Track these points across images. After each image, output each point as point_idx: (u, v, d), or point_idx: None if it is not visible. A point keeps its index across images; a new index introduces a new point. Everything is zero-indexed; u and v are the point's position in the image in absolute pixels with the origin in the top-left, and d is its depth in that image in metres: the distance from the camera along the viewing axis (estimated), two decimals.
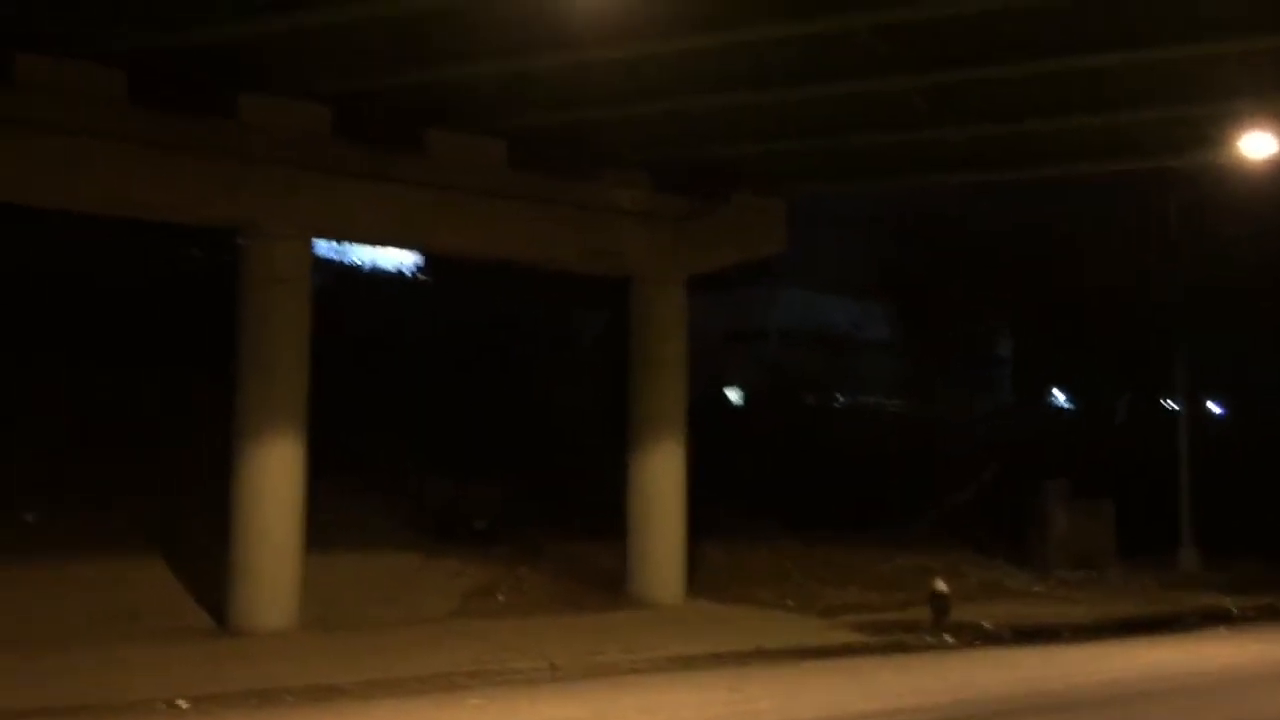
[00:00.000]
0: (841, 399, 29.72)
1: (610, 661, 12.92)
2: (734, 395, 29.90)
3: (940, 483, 23.60)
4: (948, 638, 15.43)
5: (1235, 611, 18.06)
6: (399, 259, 24.77)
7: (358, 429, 18.11)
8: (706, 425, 19.50)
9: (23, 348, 16.17)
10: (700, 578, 18.10)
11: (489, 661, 12.36)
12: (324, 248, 20.33)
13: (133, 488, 15.51)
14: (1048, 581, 20.66)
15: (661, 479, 17.56)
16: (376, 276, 24.61)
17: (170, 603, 14.20)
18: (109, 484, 15.38)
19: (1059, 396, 33.91)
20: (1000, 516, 22.52)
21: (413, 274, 25.02)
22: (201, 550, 14.55)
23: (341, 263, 23.17)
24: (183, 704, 10.21)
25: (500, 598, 16.49)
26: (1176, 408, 24.39)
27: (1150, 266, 24.71)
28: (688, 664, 13.15)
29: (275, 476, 14.19)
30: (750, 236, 18.56)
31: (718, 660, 13.36)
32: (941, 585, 16.33)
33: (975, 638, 15.60)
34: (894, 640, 15.18)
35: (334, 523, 15.51)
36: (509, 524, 18.47)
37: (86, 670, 11.30)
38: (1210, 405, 30.76)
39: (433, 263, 24.10)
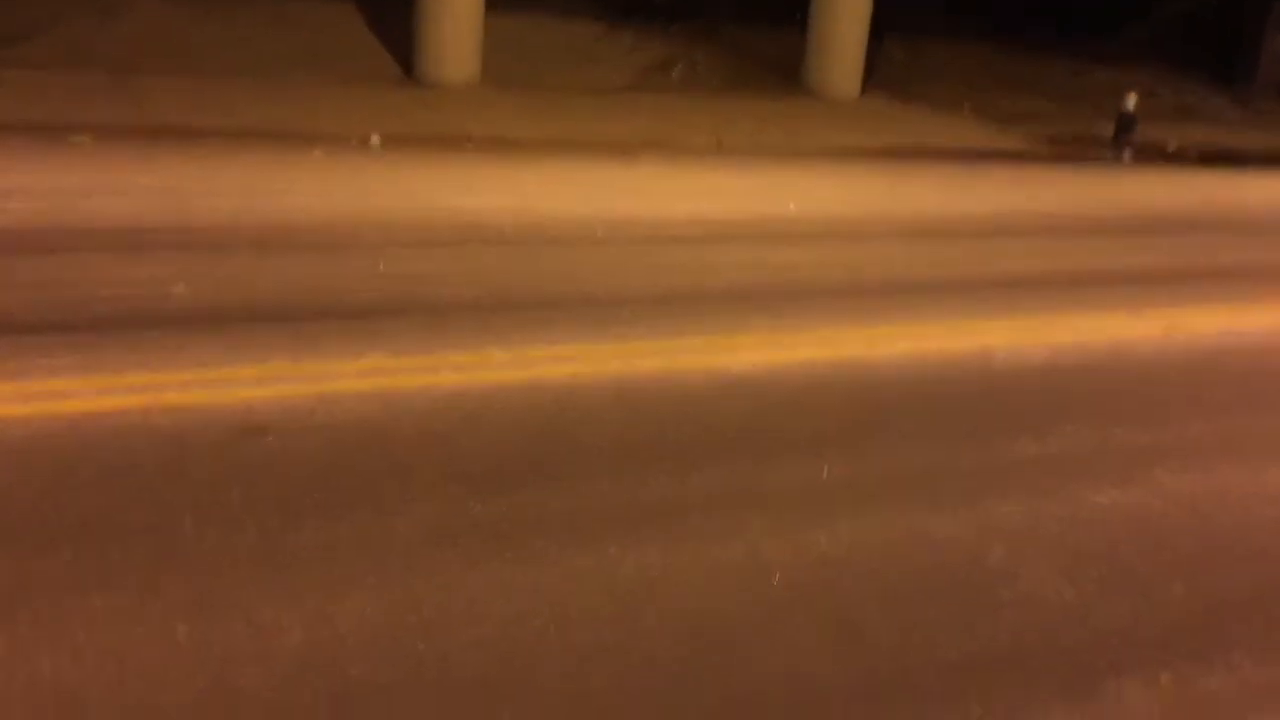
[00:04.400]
0: None
1: (775, 143, 13.11)
2: None
3: None
4: (1127, 155, 15.05)
5: None
6: None
7: None
8: None
9: None
10: (878, 74, 17.72)
11: (659, 132, 12.70)
12: None
13: None
14: (1249, 109, 19.57)
15: None
16: None
17: (365, 50, 14.73)
18: None
19: None
20: (1211, 37, 20.98)
21: None
22: (394, 4, 14.85)
23: None
24: (374, 140, 10.92)
25: (674, 75, 16.55)
26: None
27: None
28: (852, 154, 13.25)
29: None
30: None
31: (884, 153, 13.42)
32: (1130, 101, 15.66)
33: (1156, 157, 15.17)
34: (1070, 152, 14.89)
35: None
36: (689, 4, 18.12)
37: (290, 102, 12.08)
38: None
39: None
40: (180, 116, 10.70)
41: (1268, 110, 19.47)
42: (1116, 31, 21.03)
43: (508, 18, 15.00)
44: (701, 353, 5.68)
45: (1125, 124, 15.45)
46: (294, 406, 4.61)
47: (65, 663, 2.98)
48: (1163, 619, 3.66)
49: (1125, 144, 15.26)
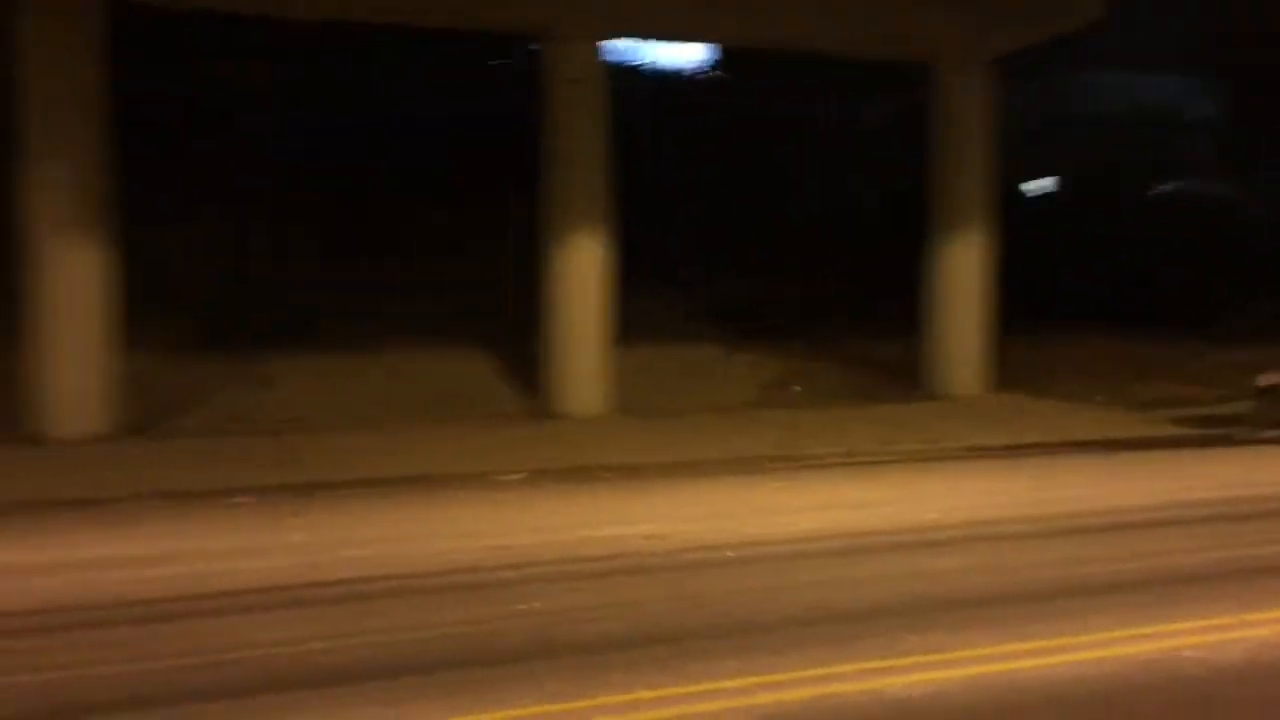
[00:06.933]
0: (1160, 186, 27.56)
1: (908, 449, 12.95)
2: (1042, 187, 28.33)
3: (1268, 277, 21.70)
4: (1277, 432, 14.46)
5: None
6: (685, 56, 24.60)
7: (656, 228, 18.56)
8: (1012, 218, 18.65)
9: (350, 179, 17.54)
10: (1001, 373, 17.66)
11: (787, 446, 12.69)
12: (615, 49, 20.44)
13: (457, 290, 16.79)
14: None
15: (962, 270, 17.09)
16: (665, 77, 24.56)
17: (491, 390, 15.37)
18: (437, 287, 16.69)
19: None
20: None
21: (700, 72, 24.82)
22: (516, 343, 15.59)
23: (631, 65, 23.24)
24: (515, 476, 11.12)
25: (796, 389, 16.76)
26: None
27: None
28: (990, 453, 12.99)
29: (582, 274, 14.85)
30: (1058, 7, 17.17)
31: (1022, 450, 13.12)
32: (1272, 378, 15.23)
33: None
34: (1216, 434, 14.38)
35: (636, 318, 16.14)
36: (804, 320, 18.61)
37: (427, 448, 12.50)
38: None
39: (722, 58, 23.81)
40: (331, 472, 11.10)
41: None
42: (1231, 315, 20.82)
43: (629, 347, 15.55)
44: (855, 678, 5.35)
45: (1271, 398, 14.96)
46: None
47: None
48: None
49: (1273, 421, 14.70)
